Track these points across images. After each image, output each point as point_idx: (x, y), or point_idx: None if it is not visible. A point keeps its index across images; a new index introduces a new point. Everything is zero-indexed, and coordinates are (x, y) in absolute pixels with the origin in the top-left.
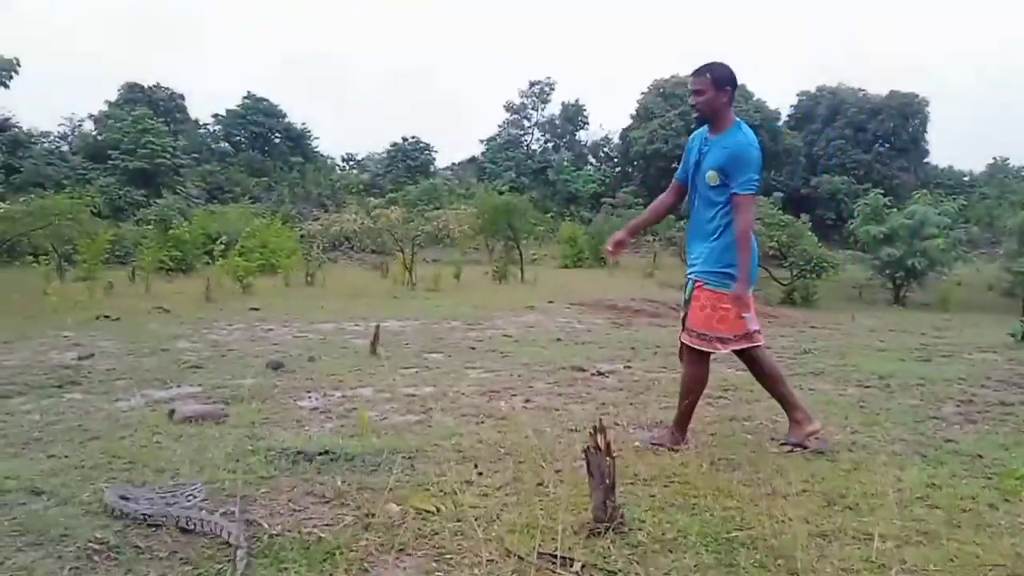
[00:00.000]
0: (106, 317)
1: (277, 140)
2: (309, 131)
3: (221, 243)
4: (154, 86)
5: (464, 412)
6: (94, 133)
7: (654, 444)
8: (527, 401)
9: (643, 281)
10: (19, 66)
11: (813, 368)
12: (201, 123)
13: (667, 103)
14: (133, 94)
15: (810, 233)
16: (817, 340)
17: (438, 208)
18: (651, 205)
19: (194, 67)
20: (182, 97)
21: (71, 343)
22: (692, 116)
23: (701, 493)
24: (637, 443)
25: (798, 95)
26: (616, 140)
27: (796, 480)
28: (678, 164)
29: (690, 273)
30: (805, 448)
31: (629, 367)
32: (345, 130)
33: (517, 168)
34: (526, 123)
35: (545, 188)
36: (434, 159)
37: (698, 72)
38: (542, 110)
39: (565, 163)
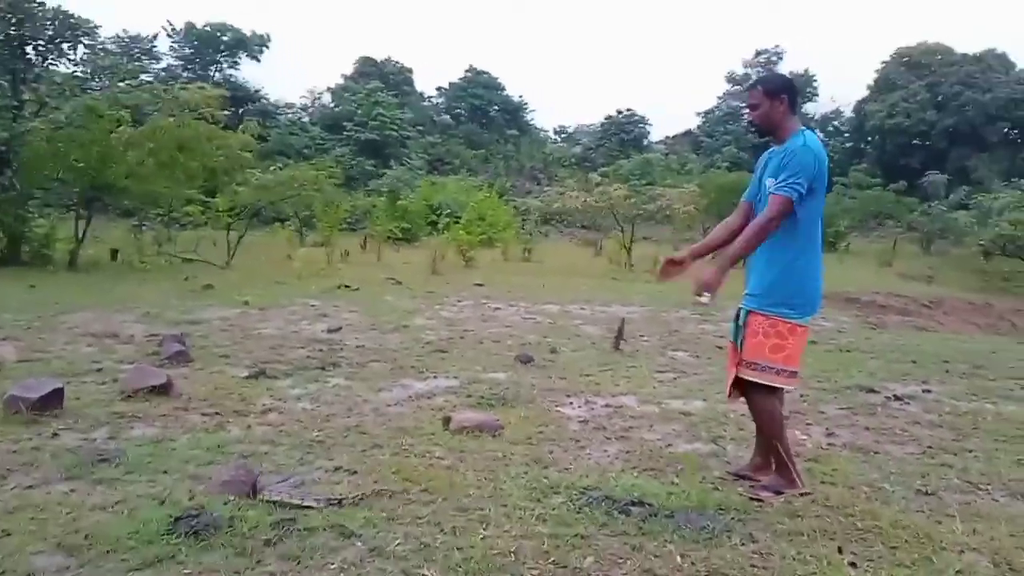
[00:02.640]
0: (346, 287)
1: (495, 113)
2: (525, 104)
3: (445, 216)
4: (385, 60)
5: None
6: (331, 105)
7: (760, 489)
8: (829, 434)
9: (879, 271)
10: (269, 41)
11: None
12: (425, 96)
13: (912, 73)
14: (367, 68)
15: None
16: None
17: (650, 183)
18: (717, 227)
19: (421, 40)
20: (410, 71)
21: (318, 313)
22: (752, 130)
23: None
24: (740, 491)
25: None
26: (849, 113)
27: None
28: (920, 141)
29: (745, 304)
30: (772, 495)
31: (928, 391)
32: (559, 103)
33: (736, 143)
34: None
35: None
36: (648, 132)
37: (750, 86)
38: None
39: None
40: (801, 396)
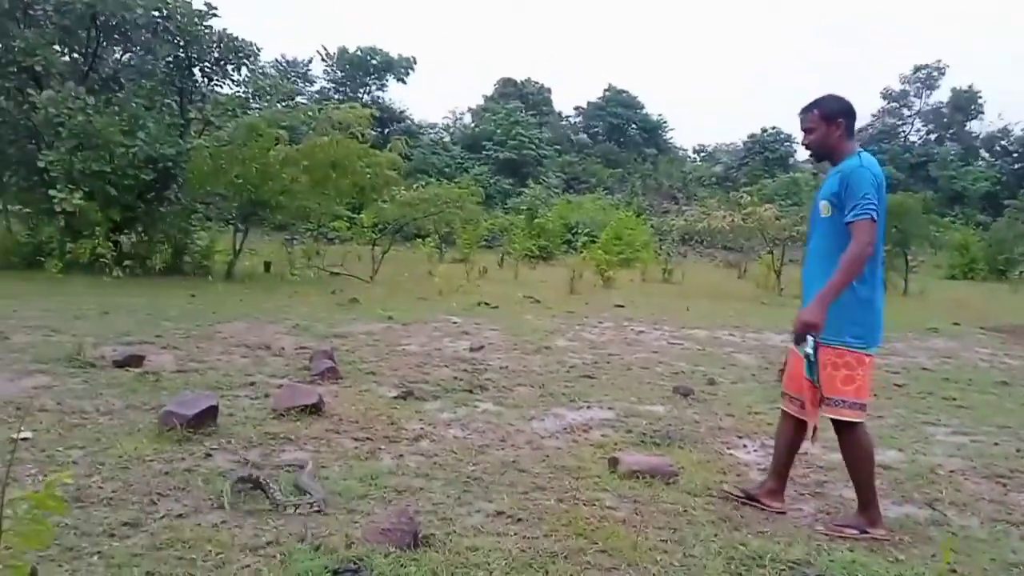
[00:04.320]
0: (486, 304)
1: (633, 131)
2: (665, 122)
3: (585, 234)
4: (525, 80)
5: (986, 513)
6: (472, 125)
7: (839, 526)
8: None
9: None
10: (415, 64)
11: None
12: (563, 115)
13: None
14: (507, 88)
15: None
16: None
17: (797, 204)
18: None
19: (560, 60)
20: (549, 91)
21: (460, 330)
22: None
23: None
24: (820, 528)
25: None
26: (1019, 132)
27: None
28: None
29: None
30: (856, 533)
31: None
32: (699, 121)
33: (892, 162)
34: (906, 112)
35: (924, 185)
36: (795, 151)
37: (805, 109)
38: (927, 97)
39: (951, 157)
40: (1016, 450)
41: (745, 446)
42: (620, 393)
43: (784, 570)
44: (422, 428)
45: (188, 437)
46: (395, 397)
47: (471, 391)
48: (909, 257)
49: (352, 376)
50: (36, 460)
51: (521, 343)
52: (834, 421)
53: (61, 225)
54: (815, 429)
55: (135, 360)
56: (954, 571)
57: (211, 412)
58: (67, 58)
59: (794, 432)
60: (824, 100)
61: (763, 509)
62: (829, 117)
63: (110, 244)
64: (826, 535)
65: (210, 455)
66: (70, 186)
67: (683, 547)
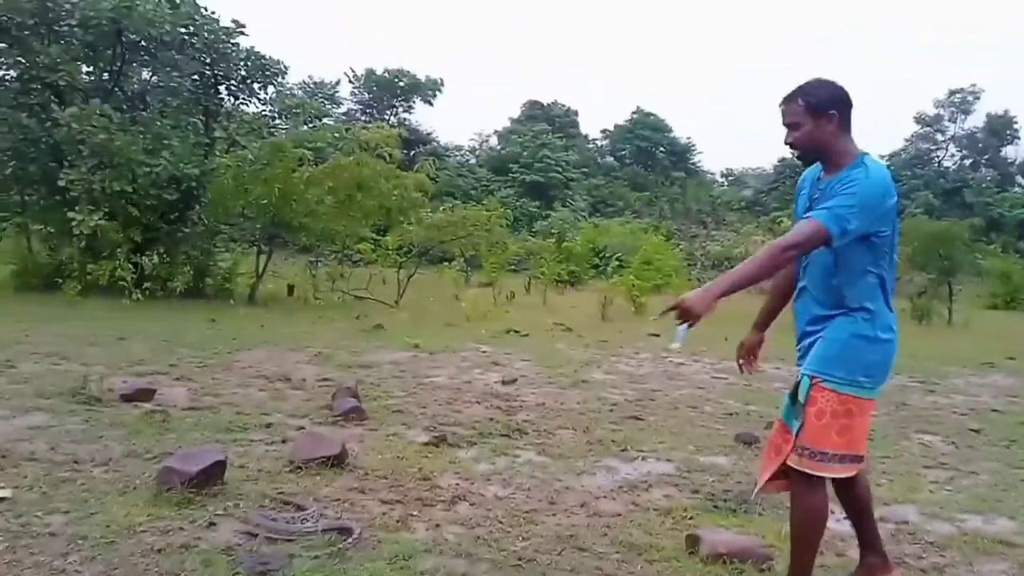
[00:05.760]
0: (515, 332)
1: (661, 155)
2: (693, 146)
3: (616, 259)
4: (552, 103)
5: None
6: (498, 147)
7: None
8: None
9: None
10: (442, 85)
11: None
12: (590, 138)
13: None
14: (533, 111)
15: None
16: None
17: None
18: (771, 284)
19: (588, 83)
20: (576, 113)
21: (490, 360)
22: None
23: None
24: None
25: None
26: None
27: None
28: None
29: (803, 366)
30: None
31: None
32: (727, 145)
33: (927, 187)
34: (939, 137)
35: (959, 211)
36: None
37: (787, 99)
38: (961, 122)
39: (986, 184)
40: None
41: (833, 511)
42: (674, 439)
43: None
44: (458, 485)
45: (190, 499)
46: (426, 443)
47: (509, 435)
48: (958, 287)
49: (378, 416)
50: (7, 530)
51: (556, 376)
52: (804, 475)
53: (81, 246)
54: (770, 481)
55: (145, 394)
56: None
57: (218, 467)
58: (92, 75)
59: (850, 492)
60: (811, 87)
61: None
62: (818, 109)
63: (130, 266)
64: None
65: (213, 524)
66: (91, 207)
67: None
